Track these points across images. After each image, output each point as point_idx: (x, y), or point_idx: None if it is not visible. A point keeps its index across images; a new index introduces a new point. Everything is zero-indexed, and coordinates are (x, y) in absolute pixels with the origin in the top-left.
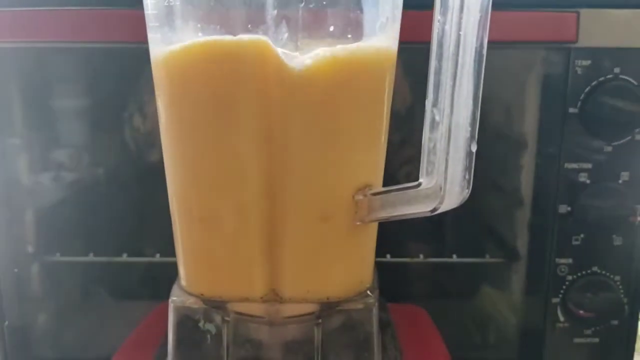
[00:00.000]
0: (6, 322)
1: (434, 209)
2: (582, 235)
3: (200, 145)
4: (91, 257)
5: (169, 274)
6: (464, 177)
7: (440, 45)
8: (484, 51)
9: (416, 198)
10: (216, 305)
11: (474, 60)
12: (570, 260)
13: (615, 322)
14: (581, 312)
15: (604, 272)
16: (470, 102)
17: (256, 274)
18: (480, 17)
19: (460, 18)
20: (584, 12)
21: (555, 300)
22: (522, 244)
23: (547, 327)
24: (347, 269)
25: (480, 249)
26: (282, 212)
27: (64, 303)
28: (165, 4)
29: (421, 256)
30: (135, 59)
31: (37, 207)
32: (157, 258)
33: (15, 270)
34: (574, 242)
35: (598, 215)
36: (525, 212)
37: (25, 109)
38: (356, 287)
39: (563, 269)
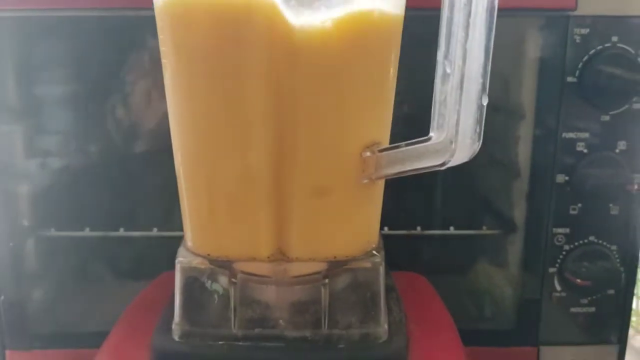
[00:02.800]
0: (2, 297)
1: (444, 163)
2: (579, 205)
3: (206, 102)
4: (87, 232)
5: (167, 248)
6: (475, 130)
7: None
8: (496, 1)
9: (426, 153)
10: (223, 265)
11: (486, 10)
12: (567, 230)
13: (612, 292)
14: (578, 281)
15: (600, 241)
16: (482, 53)
17: (262, 233)
18: None
19: None
20: None
21: (552, 270)
22: (519, 214)
23: (543, 296)
24: (354, 227)
25: (478, 220)
26: (289, 170)
27: (60, 278)
28: None
29: (419, 228)
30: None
31: (33, 181)
32: (155, 232)
33: (11, 244)
34: (571, 212)
35: (595, 185)
36: (523, 183)
37: (17, 85)
38: (363, 246)
39: (560, 239)
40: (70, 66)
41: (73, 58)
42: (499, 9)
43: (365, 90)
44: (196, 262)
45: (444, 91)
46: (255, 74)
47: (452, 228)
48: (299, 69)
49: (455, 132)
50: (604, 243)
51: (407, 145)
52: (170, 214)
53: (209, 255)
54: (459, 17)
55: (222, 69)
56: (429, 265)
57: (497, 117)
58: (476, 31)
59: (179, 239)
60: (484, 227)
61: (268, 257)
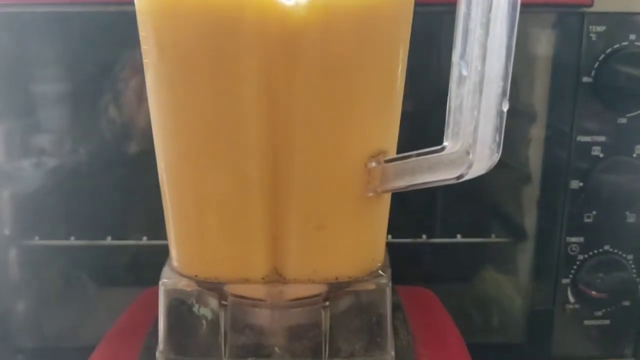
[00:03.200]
0: None
1: (461, 176)
2: (594, 212)
3: (192, 106)
4: (72, 241)
5: (157, 258)
6: (494, 139)
7: None
8: None
9: (438, 164)
10: (212, 287)
11: (509, 3)
12: (581, 239)
13: (627, 303)
14: (593, 292)
15: (616, 250)
16: (503, 52)
17: (257, 252)
18: None
19: None
20: None
21: (565, 280)
22: (530, 222)
23: (556, 308)
24: (357, 245)
25: (486, 228)
26: (286, 182)
27: (44, 289)
28: None
29: (424, 236)
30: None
31: (15, 189)
32: (144, 241)
33: None
34: (586, 220)
35: (611, 191)
36: (534, 189)
37: (3, 91)
38: (367, 265)
39: (574, 248)
40: (57, 66)
41: (58, 60)
42: None
43: (371, 90)
44: (182, 283)
45: (459, 95)
46: (247, 71)
47: (459, 236)
48: (295, 62)
49: (472, 141)
50: (620, 253)
51: (417, 155)
52: (161, 222)
53: (196, 276)
54: (477, 12)
55: (209, 67)
56: (435, 276)
57: (508, 118)
58: (497, 27)
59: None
60: (493, 235)
61: (263, 279)
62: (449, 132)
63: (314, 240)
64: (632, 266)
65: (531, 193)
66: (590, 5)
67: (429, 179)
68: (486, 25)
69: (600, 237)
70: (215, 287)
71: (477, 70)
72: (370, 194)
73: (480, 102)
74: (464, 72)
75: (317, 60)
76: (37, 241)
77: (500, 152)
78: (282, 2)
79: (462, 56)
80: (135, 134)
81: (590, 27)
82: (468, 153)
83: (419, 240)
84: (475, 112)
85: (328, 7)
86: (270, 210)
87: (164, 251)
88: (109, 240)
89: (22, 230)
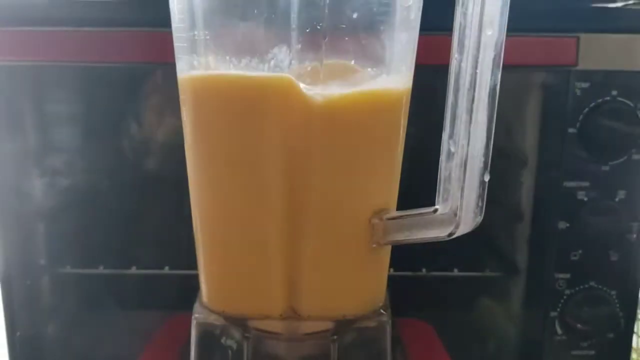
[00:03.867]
0: (18, 333)
1: (450, 234)
2: (580, 251)
3: (222, 171)
4: (101, 270)
5: (178, 286)
6: (477, 204)
7: (457, 81)
8: (497, 87)
9: (432, 223)
10: (237, 322)
11: (489, 96)
12: (568, 275)
13: (611, 335)
14: (579, 325)
15: (601, 286)
16: (484, 134)
17: (276, 293)
18: (495, 55)
19: (477, 56)
20: (583, 37)
21: (553, 313)
22: (521, 258)
23: (545, 339)
24: (363, 288)
25: (481, 263)
26: (302, 236)
27: (74, 314)
28: (194, 37)
29: (424, 270)
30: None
31: (49, 220)
32: (166, 270)
33: (27, 282)
34: (572, 258)
35: (596, 232)
36: (525, 228)
37: (32, 124)
38: (370, 305)
39: (561, 284)
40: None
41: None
42: (505, 65)
43: (376, 159)
44: (212, 318)
45: (448, 168)
46: (271, 145)
47: (456, 270)
48: (311, 136)
49: (459, 206)
50: (604, 288)
51: (413, 215)
52: (181, 253)
53: (223, 312)
54: (462, 102)
55: (238, 139)
56: (433, 306)
57: (502, 164)
58: (479, 114)
59: (189, 277)
60: (487, 270)
61: (280, 315)
62: (439, 197)
63: (325, 285)
64: (616, 301)
65: (523, 232)
66: (575, 65)
67: (423, 235)
68: (470, 113)
69: (585, 273)
70: (239, 322)
71: (463, 148)
72: (374, 245)
73: (465, 174)
74: (452, 150)
75: (331, 136)
76: (69, 269)
77: (482, 215)
78: (308, 99)
79: (451, 136)
80: (162, 171)
81: (576, 83)
82: (455, 215)
83: (418, 273)
84: (461, 183)
85: (344, 99)
86: (288, 257)
87: (183, 280)
88: (133, 270)
89: (56, 260)
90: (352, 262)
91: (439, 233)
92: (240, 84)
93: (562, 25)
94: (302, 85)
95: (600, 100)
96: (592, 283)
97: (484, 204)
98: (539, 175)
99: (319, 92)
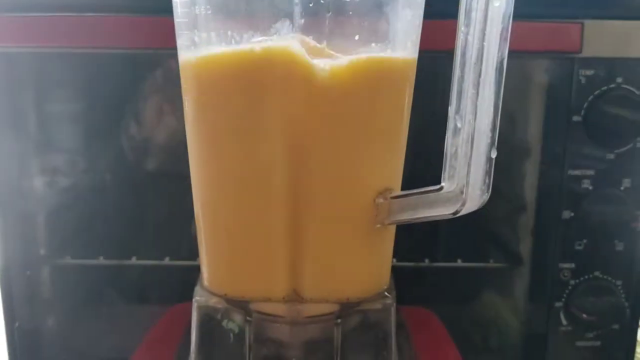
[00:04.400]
0: (17, 324)
1: (456, 212)
2: (584, 241)
3: (225, 151)
4: (101, 260)
5: (178, 276)
6: (484, 181)
7: (464, 54)
8: (505, 61)
9: (437, 201)
10: (239, 305)
11: (496, 70)
12: (572, 265)
13: (617, 326)
14: (584, 316)
15: (605, 276)
16: (491, 109)
17: (278, 275)
18: (502, 28)
19: (483, 29)
20: (588, 23)
21: (558, 304)
22: (525, 249)
23: (549, 330)
24: (367, 270)
25: (485, 253)
26: (305, 215)
27: (74, 305)
28: (195, 11)
29: (427, 260)
30: (132, 65)
31: (49, 210)
32: (167, 261)
33: (28, 272)
34: (577, 247)
35: (600, 221)
36: (529, 218)
37: (32, 112)
38: (374, 287)
39: (566, 274)
40: (74, 102)
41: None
42: (509, 52)
43: (381, 136)
44: (213, 301)
45: (454, 144)
46: (274, 122)
47: (459, 260)
48: (316, 113)
49: (466, 183)
50: (609, 278)
51: (418, 193)
52: (182, 243)
53: (225, 295)
54: (469, 76)
55: (241, 113)
56: (436, 297)
57: (505, 153)
58: (486, 89)
59: (190, 269)
60: (491, 261)
61: (283, 298)
62: (445, 174)
63: (328, 266)
64: (621, 291)
65: (526, 222)
66: (579, 52)
67: (429, 214)
68: (477, 87)
69: (590, 263)
70: (241, 305)
71: (470, 124)
72: (378, 226)
73: (472, 150)
74: (459, 125)
75: (336, 112)
76: (69, 260)
77: (490, 192)
78: (313, 69)
79: (457, 111)
80: (162, 161)
81: (580, 71)
82: (462, 192)
83: (421, 264)
84: (468, 159)
85: (349, 67)
86: (291, 238)
87: (184, 272)
88: (133, 260)
89: (56, 250)
90: (356, 243)
91: (444, 211)
92: (243, 58)
93: (566, 11)
94: (307, 57)
95: (605, 88)
96: (597, 273)
97: (491, 181)
98: (543, 164)
99: (324, 60)
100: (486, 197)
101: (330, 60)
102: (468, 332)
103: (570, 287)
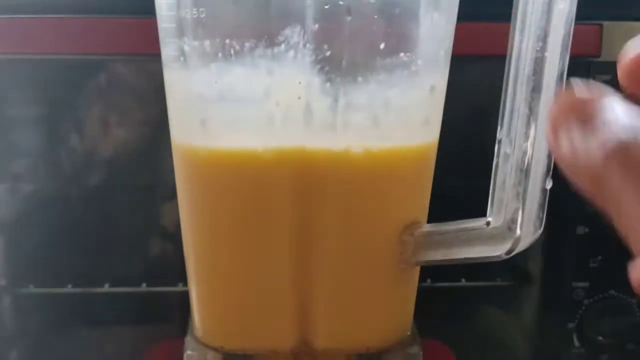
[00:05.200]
0: None
1: (509, 251)
2: (599, 257)
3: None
4: (69, 288)
5: (156, 304)
6: (538, 215)
7: (517, 67)
8: (565, 73)
9: (479, 238)
10: (239, 359)
11: (556, 84)
12: (587, 284)
13: (632, 347)
14: (599, 337)
15: (622, 295)
16: None
17: (286, 324)
18: (564, 33)
19: (544, 36)
20: (606, 25)
21: (570, 325)
22: (535, 266)
23: (562, 353)
24: (389, 316)
25: (491, 271)
26: (317, 251)
27: (39, 339)
28: (184, 14)
29: (428, 280)
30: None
31: (8, 237)
32: (144, 288)
33: None
34: (592, 265)
35: (617, 237)
36: (541, 234)
37: None
38: (397, 335)
39: (580, 293)
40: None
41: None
42: None
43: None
44: (209, 356)
45: (504, 172)
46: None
47: (463, 280)
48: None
49: (518, 218)
50: (626, 297)
51: (456, 228)
52: (161, 268)
53: (222, 347)
54: (521, 92)
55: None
56: (439, 318)
57: None
58: (541, 107)
59: (171, 295)
60: (498, 279)
61: (291, 350)
62: (492, 208)
63: (344, 311)
64: (638, 310)
65: (538, 238)
66: (598, 55)
67: (467, 255)
68: (530, 106)
69: (605, 281)
70: (242, 359)
71: (521, 149)
72: (402, 266)
73: (527, 180)
74: (508, 151)
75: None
76: (32, 289)
77: (543, 228)
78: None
79: (508, 134)
80: (138, 185)
81: (597, 75)
82: (509, 229)
83: (423, 284)
84: (521, 190)
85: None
86: (299, 279)
87: (164, 299)
88: (106, 288)
89: (18, 279)
90: (377, 285)
91: (489, 252)
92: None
93: (583, 11)
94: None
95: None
96: (612, 292)
97: (545, 215)
98: (556, 175)
99: (335, 145)
100: (539, 233)
101: (341, 148)
102: (474, 356)
103: (584, 307)
